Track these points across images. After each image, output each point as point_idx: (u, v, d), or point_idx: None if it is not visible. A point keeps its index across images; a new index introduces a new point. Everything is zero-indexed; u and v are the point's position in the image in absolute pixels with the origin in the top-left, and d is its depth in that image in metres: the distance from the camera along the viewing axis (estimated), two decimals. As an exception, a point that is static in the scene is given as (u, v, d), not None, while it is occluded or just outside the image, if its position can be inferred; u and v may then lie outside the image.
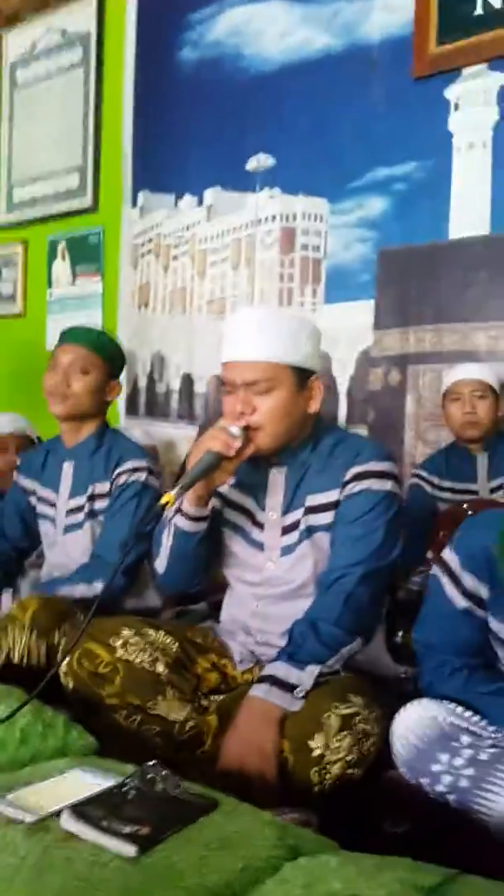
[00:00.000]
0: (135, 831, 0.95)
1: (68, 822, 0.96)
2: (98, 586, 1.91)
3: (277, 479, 1.59)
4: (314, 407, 1.54)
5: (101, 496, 2.06)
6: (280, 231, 3.18)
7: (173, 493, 1.41)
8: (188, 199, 3.51)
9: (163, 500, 1.41)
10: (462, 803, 1.19)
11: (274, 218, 3.20)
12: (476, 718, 1.26)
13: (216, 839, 0.97)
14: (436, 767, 1.21)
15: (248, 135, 3.27)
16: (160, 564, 1.61)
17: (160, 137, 3.60)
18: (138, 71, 3.71)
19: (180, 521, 1.53)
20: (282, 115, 3.17)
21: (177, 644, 1.58)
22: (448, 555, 1.35)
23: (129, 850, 0.91)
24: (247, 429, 1.47)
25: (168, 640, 1.57)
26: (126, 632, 1.55)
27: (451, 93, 2.79)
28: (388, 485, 1.51)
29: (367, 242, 2.97)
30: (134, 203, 3.73)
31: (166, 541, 1.57)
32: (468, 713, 1.27)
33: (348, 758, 1.26)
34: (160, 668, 1.52)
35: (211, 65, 3.44)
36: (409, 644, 1.98)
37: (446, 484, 2.47)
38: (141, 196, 3.69)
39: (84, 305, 3.92)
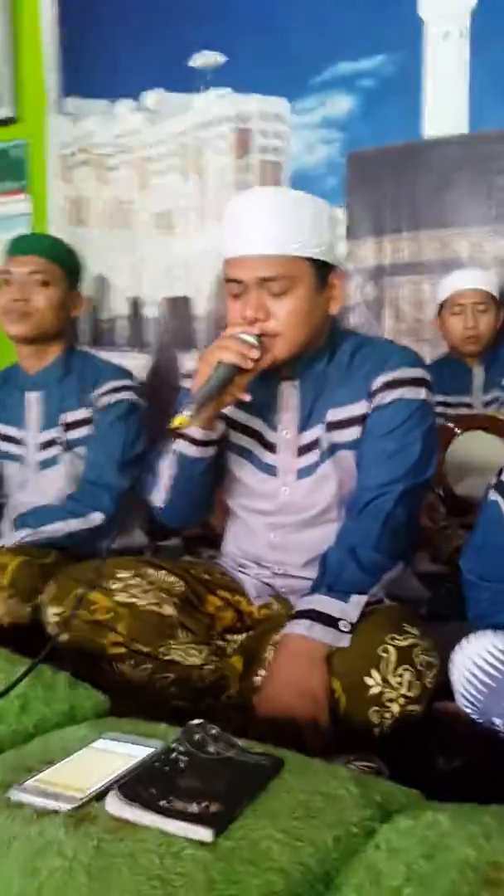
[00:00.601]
0: (203, 809, 0.76)
1: (118, 807, 0.76)
2: (95, 517, 1.72)
3: (291, 393, 1.38)
4: (335, 308, 1.33)
5: (78, 424, 1.84)
6: (234, 134, 2.89)
7: (185, 413, 1.19)
8: (125, 103, 3.15)
9: (174, 423, 1.19)
10: None
11: (226, 120, 2.91)
12: None
13: (298, 806, 0.80)
14: None
15: (190, 30, 2.93)
16: (159, 497, 1.40)
17: (88, 36, 3.18)
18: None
19: (185, 447, 1.32)
20: (228, 7, 2.85)
21: (182, 582, 1.39)
22: None
23: (204, 833, 0.72)
24: (261, 336, 1.25)
25: (172, 579, 1.38)
26: (123, 573, 1.35)
27: (422, -26, 2.54)
28: (422, 392, 1.33)
29: (333, 144, 2.72)
30: (61, 111, 3.34)
31: (167, 470, 1.35)
32: None
33: (409, 693, 1.12)
34: (168, 609, 1.33)
35: None
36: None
37: (439, 398, 2.31)
38: (70, 102, 3.30)
39: (9, 227, 3.51)
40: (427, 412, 1.33)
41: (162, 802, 0.76)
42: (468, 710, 1.13)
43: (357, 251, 2.67)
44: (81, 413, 1.83)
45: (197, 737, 0.89)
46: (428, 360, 2.43)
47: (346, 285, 1.36)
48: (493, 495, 1.23)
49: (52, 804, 0.79)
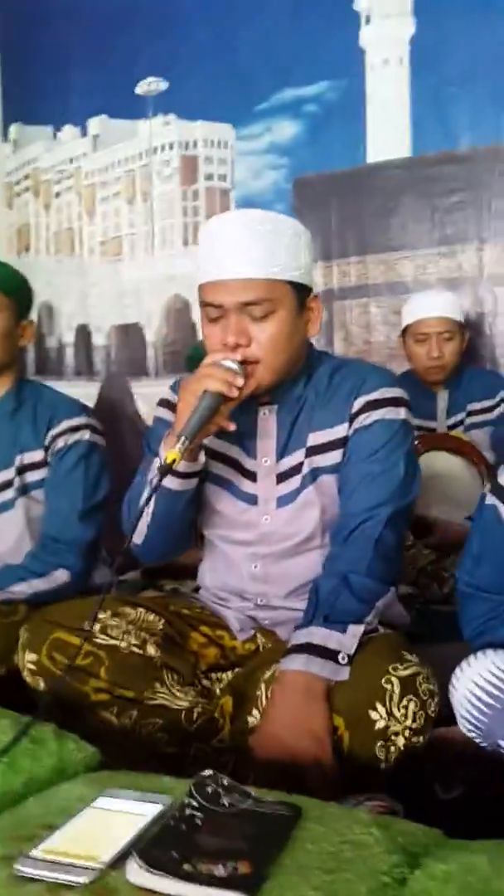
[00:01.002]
0: (231, 871, 0.72)
1: (140, 877, 0.72)
2: (60, 575, 1.61)
3: (268, 419, 1.36)
4: (314, 331, 1.31)
5: (35, 466, 1.72)
6: (179, 160, 2.89)
7: (177, 447, 1.15)
8: (70, 130, 3.13)
9: (168, 459, 1.15)
10: None
11: (171, 146, 2.91)
12: None
13: (327, 859, 0.77)
14: None
15: (135, 57, 2.93)
16: (139, 533, 1.34)
17: (31, 62, 3.16)
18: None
19: (167, 481, 1.27)
20: (173, 34, 2.86)
21: (162, 620, 1.33)
22: None
23: (237, 898, 0.68)
24: (243, 363, 1.23)
25: (151, 617, 1.33)
26: (101, 614, 1.28)
27: (361, 5, 2.59)
28: (402, 412, 1.32)
29: (279, 170, 2.75)
30: (4, 137, 3.28)
31: (147, 506, 1.31)
32: None
33: (414, 725, 1.08)
34: (151, 649, 1.27)
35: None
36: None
37: None
38: (13, 129, 3.25)
39: (-50, 255, 3.44)
40: (407, 432, 1.32)
41: (186, 867, 0.72)
42: (472, 735, 1.12)
43: (308, 275, 2.68)
44: (38, 454, 1.71)
45: (209, 789, 0.85)
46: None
47: (321, 308, 1.34)
48: (491, 499, 1.22)
49: (64, 877, 0.74)
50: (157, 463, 1.29)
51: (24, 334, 1.77)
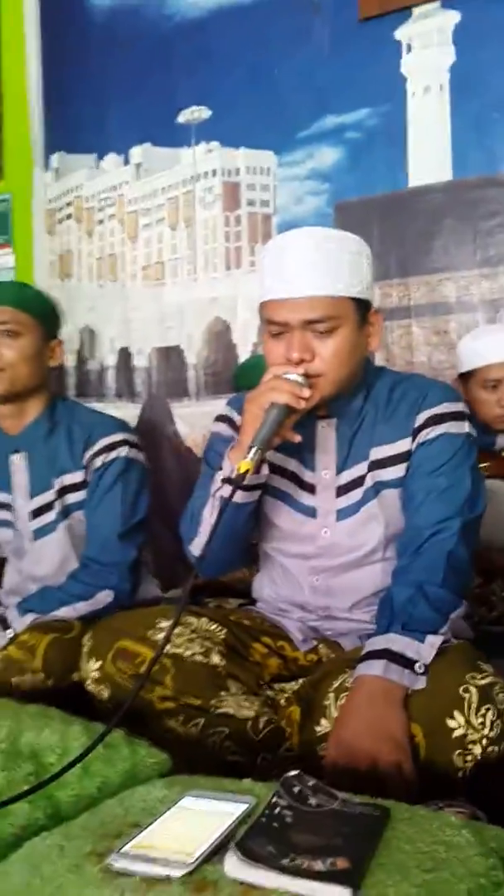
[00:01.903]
0: (331, 866, 0.72)
1: (239, 869, 0.72)
2: (104, 596, 1.62)
3: (328, 433, 1.37)
4: (374, 344, 1.34)
5: (75, 487, 1.72)
6: (222, 187, 2.94)
7: (248, 457, 1.17)
8: (112, 158, 3.19)
9: (241, 469, 1.17)
10: None
11: (214, 173, 2.96)
12: None
13: (424, 858, 0.76)
14: None
15: (177, 86, 3.00)
16: (198, 546, 1.36)
17: (74, 92, 3.25)
18: (43, 16, 3.34)
19: (230, 493, 1.29)
20: (214, 64, 2.92)
21: (224, 629, 1.34)
22: None
23: (341, 892, 0.69)
24: (306, 376, 1.25)
25: (214, 627, 1.34)
26: (164, 622, 1.29)
27: (403, 33, 2.64)
28: (465, 426, 1.33)
29: (321, 195, 2.78)
30: (47, 166, 3.37)
31: (209, 517, 1.32)
32: None
33: (491, 734, 1.08)
34: (216, 658, 1.28)
35: (128, 10, 3.13)
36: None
37: None
38: (55, 158, 3.34)
39: (-8, 281, 3.51)
40: (472, 446, 1.34)
41: (285, 861, 0.72)
42: None
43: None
44: (78, 475, 1.71)
45: (297, 788, 0.85)
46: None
47: (382, 322, 1.36)
48: None
49: (160, 870, 0.74)
50: (219, 475, 1.30)
51: (52, 355, 1.76)
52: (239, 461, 1.19)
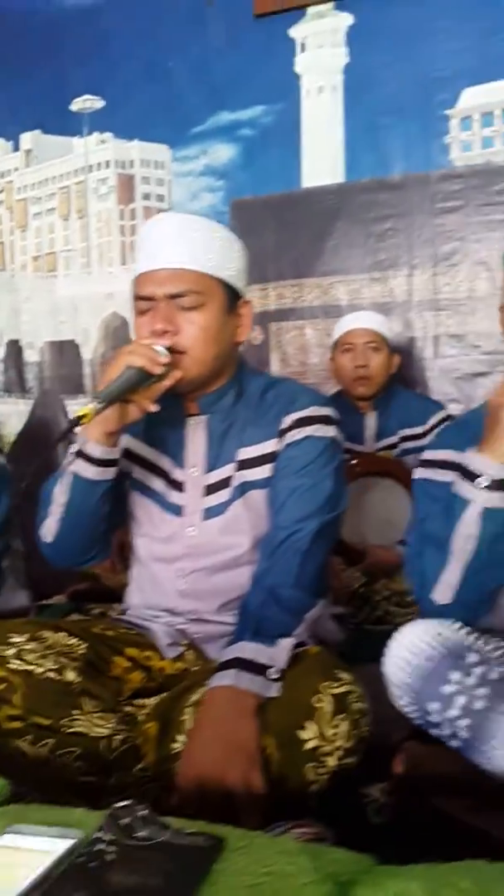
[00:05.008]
0: (144, 908, 0.70)
1: (47, 917, 0.69)
2: None
3: (198, 430, 1.35)
4: (243, 335, 1.32)
5: None
6: (116, 179, 2.88)
7: (91, 406, 1.13)
8: (1, 144, 3.08)
9: (79, 413, 1.12)
10: (474, 733, 1.04)
11: (108, 164, 2.89)
12: (477, 634, 1.13)
13: (247, 892, 0.75)
14: (447, 689, 1.06)
15: (69, 74, 2.91)
16: (49, 530, 1.31)
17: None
18: None
19: (82, 468, 1.24)
20: (108, 54, 2.85)
21: (85, 644, 1.29)
22: None
23: (150, 938, 0.66)
24: (169, 351, 1.22)
25: (73, 641, 1.28)
26: (17, 638, 1.23)
27: (297, 32, 2.64)
28: (331, 430, 1.33)
29: (216, 192, 2.76)
30: None
31: (60, 496, 1.28)
32: (468, 628, 1.14)
33: (346, 745, 1.06)
34: (70, 674, 1.22)
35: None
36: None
37: None
38: None
39: None
40: (336, 450, 1.34)
41: (95, 906, 0.70)
42: (402, 703, 1.10)
43: (244, 296, 2.70)
44: None
45: (124, 822, 0.83)
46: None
47: (252, 315, 1.36)
48: (420, 473, 1.27)
49: (-32, 921, 0.71)
50: (71, 449, 1.27)
51: None
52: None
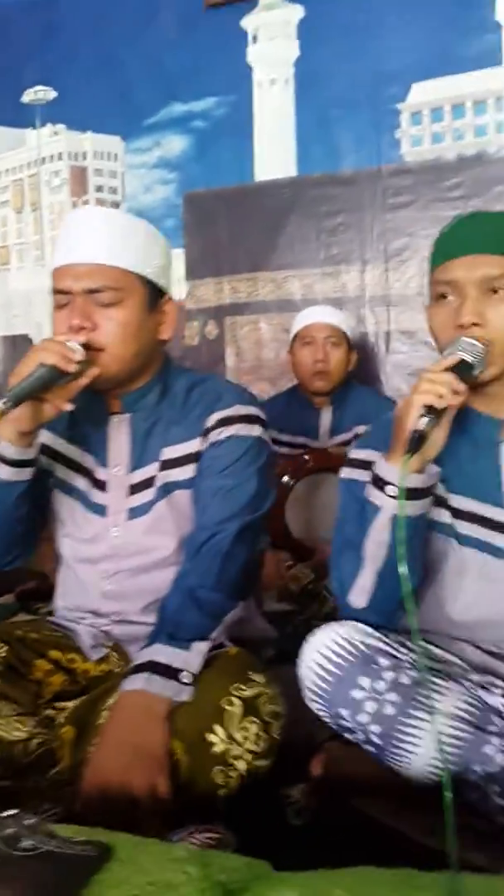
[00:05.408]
0: (14, 922, 0.69)
1: None
2: None
3: (121, 428, 1.33)
4: (166, 333, 1.30)
5: None
6: (69, 171, 2.84)
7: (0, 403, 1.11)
8: (-47, 135, 3.04)
9: None
10: (385, 738, 1.05)
11: (60, 156, 2.86)
12: (393, 636, 1.13)
13: (126, 903, 0.75)
14: (357, 694, 1.06)
15: (21, 64, 2.87)
16: None
17: None
18: None
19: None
20: (60, 45, 2.82)
21: (5, 647, 1.28)
22: None
23: None
24: (86, 348, 1.20)
25: None
26: None
27: (249, 23, 2.62)
28: (256, 430, 1.32)
29: (169, 185, 2.74)
30: None
31: None
32: (382, 632, 1.14)
33: (255, 748, 1.06)
34: None
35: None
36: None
37: (284, 438, 2.27)
38: None
39: None
40: (262, 449, 1.32)
41: (-36, 922, 0.69)
42: (315, 706, 1.10)
43: (197, 291, 2.68)
44: None
45: (9, 831, 0.82)
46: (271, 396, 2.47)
47: (180, 316, 1.33)
48: (345, 472, 1.25)
49: None
50: None
51: None
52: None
